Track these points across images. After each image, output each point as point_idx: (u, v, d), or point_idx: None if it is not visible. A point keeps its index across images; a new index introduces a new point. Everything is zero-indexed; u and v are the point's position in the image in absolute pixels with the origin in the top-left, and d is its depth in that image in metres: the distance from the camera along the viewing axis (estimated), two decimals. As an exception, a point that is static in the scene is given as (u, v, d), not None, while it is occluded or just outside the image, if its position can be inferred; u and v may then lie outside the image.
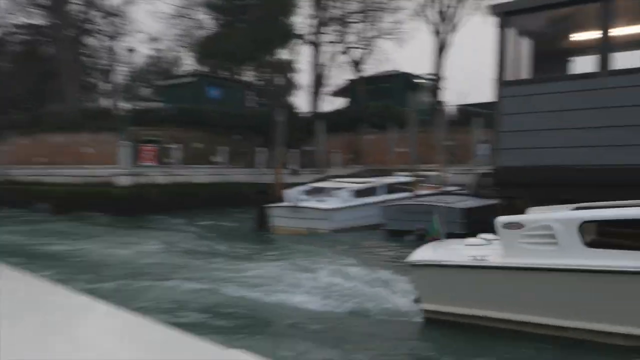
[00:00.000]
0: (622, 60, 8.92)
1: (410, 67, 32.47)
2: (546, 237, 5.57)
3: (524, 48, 10.18)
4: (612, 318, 5.20)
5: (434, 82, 31.78)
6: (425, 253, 6.58)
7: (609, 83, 8.83)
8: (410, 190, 16.09)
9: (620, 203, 5.94)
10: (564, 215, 5.75)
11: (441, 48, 31.92)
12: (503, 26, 9.61)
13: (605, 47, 8.89)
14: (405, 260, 6.52)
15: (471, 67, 27.65)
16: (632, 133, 8.64)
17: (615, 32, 8.84)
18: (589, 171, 8.86)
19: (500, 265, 5.81)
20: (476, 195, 14.64)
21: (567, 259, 5.37)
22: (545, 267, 5.48)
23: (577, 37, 10.12)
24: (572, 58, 11.10)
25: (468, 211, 12.86)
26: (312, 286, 8.24)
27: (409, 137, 19.62)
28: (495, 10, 9.69)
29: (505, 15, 9.53)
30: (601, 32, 8.90)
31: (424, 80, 31.96)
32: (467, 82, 28.68)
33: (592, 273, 5.22)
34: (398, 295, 7.32)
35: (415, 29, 33.48)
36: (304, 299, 7.58)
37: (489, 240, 6.51)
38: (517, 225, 5.81)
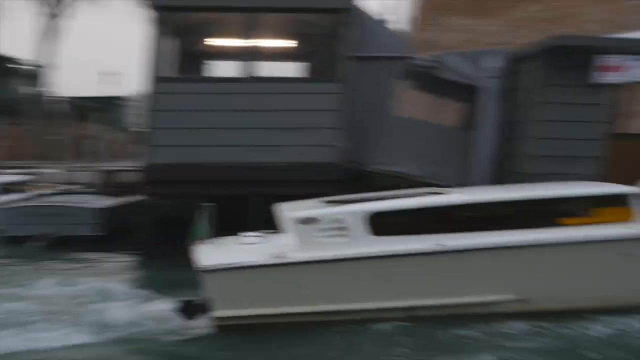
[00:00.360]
0: (265, 68, 9.98)
1: (7, 50, 28.31)
2: (339, 229, 5.92)
3: (178, 46, 10.25)
4: (394, 296, 5.90)
5: (39, 70, 28.45)
6: (211, 257, 6.02)
7: (252, 88, 9.74)
8: (24, 191, 14.05)
9: (399, 193, 6.93)
10: (355, 208, 6.17)
11: (51, 33, 28.61)
12: (158, 21, 9.47)
13: (250, 55, 9.75)
14: (197, 267, 5.94)
15: (85, 57, 26.01)
16: (270, 135, 9.69)
17: (259, 42, 9.78)
18: (234, 169, 9.53)
19: (302, 260, 5.87)
20: (105, 193, 13.81)
21: (356, 249, 5.85)
22: (340, 257, 5.84)
23: (229, 42, 10.84)
24: (222, 61, 11.82)
25: (105, 211, 12.03)
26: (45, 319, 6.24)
27: (24, 130, 17.10)
28: (151, 4, 9.43)
29: (160, 11, 9.39)
30: (247, 40, 9.77)
31: (25, 66, 28.34)
32: (80, 74, 26.82)
33: (374, 259, 5.85)
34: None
35: (16, 7, 29.19)
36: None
37: (264, 236, 6.50)
38: (313, 221, 5.97)
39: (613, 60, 8.94)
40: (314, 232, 6.03)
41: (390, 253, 5.92)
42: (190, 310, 6.08)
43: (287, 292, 5.98)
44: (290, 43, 11.22)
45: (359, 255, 5.91)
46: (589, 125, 9.20)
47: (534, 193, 6.92)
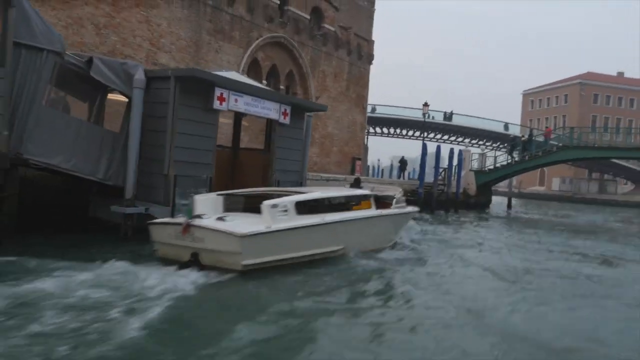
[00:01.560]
0: None
1: None
2: (286, 211, 9.82)
3: None
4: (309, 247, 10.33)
5: None
6: (236, 228, 8.92)
7: None
8: None
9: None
10: (291, 199, 10.19)
11: None
12: None
13: None
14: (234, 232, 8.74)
15: None
16: None
17: None
18: None
19: (290, 227, 9.66)
20: None
21: (293, 222, 9.85)
22: (290, 227, 9.69)
23: None
24: None
25: None
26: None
27: None
28: None
29: None
30: None
31: None
32: None
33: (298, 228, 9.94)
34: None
35: None
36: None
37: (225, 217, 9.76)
38: (276, 205, 9.69)
39: (222, 92, 12.38)
40: (277, 213, 9.58)
41: (304, 225, 10.01)
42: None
43: (276, 246, 9.38)
44: None
45: (295, 226, 9.72)
46: (207, 139, 12.30)
47: (347, 193, 12.67)
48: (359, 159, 36.20)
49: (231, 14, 26.00)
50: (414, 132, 61.33)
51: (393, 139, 64.60)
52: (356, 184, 14.53)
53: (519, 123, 76.76)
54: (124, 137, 11.53)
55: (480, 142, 63.31)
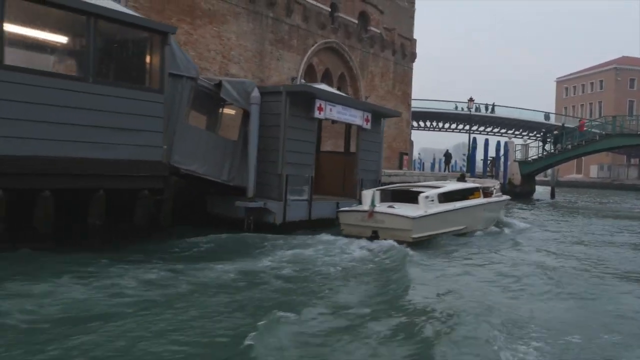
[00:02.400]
0: (99, 73, 10.43)
1: None
2: (432, 200, 13.40)
3: None
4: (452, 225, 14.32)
5: None
6: (407, 213, 12.74)
7: (86, 88, 10.10)
8: None
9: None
10: (435, 192, 13.97)
11: None
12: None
13: (87, 56, 10.20)
14: (408, 215, 12.68)
15: None
16: (101, 133, 10.34)
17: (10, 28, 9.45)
18: (67, 162, 9.78)
19: (438, 211, 13.40)
20: None
21: (438, 208, 13.61)
22: (436, 212, 13.44)
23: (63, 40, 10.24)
24: (57, 57, 10.54)
25: None
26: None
27: None
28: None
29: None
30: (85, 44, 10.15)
31: None
32: None
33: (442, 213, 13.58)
34: None
35: None
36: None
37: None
38: (428, 196, 13.44)
39: (321, 103, 14.37)
40: (428, 202, 13.19)
41: (446, 210, 13.73)
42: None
43: (430, 225, 13.01)
44: (120, 53, 11.58)
45: (440, 211, 13.42)
46: (309, 144, 14.33)
47: (465, 186, 15.84)
48: (406, 154, 37.92)
49: (289, 24, 28.03)
50: (450, 125, 62.57)
51: (418, 131, 65.92)
52: (462, 178, 18.06)
53: (554, 111, 77.18)
54: (241, 144, 13.61)
55: (524, 133, 64.21)
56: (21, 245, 9.17)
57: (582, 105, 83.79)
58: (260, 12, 26.43)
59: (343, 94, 16.30)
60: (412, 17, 40.69)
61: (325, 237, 12.78)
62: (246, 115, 13.59)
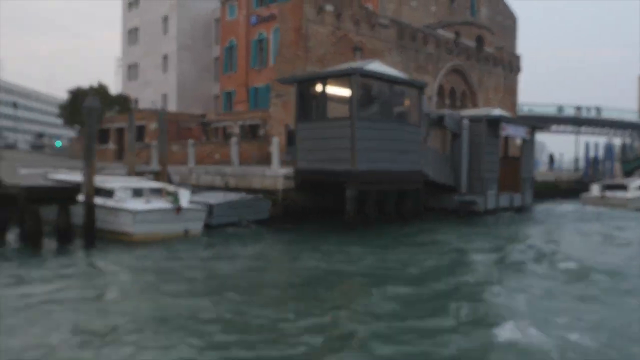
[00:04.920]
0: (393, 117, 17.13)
1: None
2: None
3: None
4: None
5: None
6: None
7: (388, 126, 16.66)
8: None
9: None
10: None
11: None
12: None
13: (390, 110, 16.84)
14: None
15: None
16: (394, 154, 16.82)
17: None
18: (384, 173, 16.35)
19: None
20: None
21: None
22: None
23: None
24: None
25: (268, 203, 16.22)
26: None
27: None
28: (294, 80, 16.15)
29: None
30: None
31: None
32: None
33: None
34: None
35: None
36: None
37: None
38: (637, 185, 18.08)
39: (504, 125, 20.50)
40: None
41: None
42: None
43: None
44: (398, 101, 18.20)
45: None
46: (495, 154, 20.51)
47: None
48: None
49: (425, 52, 34.36)
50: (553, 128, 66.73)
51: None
52: None
53: (637, 109, 79.45)
54: (451, 157, 19.90)
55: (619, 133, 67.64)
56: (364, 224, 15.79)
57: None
58: (405, 46, 32.95)
59: (515, 118, 22.35)
60: (515, 35, 46.00)
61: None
62: (454, 135, 19.89)
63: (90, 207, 11.75)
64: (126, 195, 12.82)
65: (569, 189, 33.92)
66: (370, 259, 11.56)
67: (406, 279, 9.85)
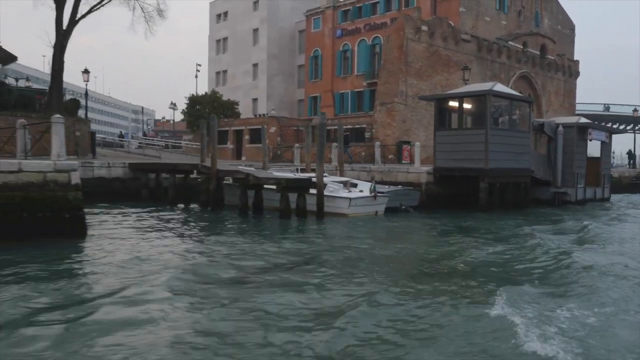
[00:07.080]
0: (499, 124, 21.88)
1: None
2: None
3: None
4: None
5: None
6: None
7: (500, 133, 21.39)
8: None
9: None
10: None
11: None
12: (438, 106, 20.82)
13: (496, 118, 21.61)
14: None
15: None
16: (511, 155, 21.59)
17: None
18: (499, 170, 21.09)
19: None
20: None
21: None
22: None
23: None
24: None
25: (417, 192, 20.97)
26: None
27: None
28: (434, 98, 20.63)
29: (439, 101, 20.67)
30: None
31: None
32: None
33: None
34: None
35: None
36: None
37: None
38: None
39: (591, 130, 25.05)
40: None
41: None
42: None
43: None
44: (511, 113, 22.95)
45: None
46: (583, 154, 25.08)
47: None
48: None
49: (499, 62, 38.94)
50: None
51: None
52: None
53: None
54: (548, 156, 24.55)
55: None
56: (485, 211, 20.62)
57: None
58: (483, 57, 37.62)
59: (598, 125, 26.92)
60: (573, 41, 50.11)
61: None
62: (550, 139, 24.54)
63: (320, 195, 16.83)
64: (338, 187, 17.86)
65: (630, 184, 38.12)
66: (526, 228, 16.30)
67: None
